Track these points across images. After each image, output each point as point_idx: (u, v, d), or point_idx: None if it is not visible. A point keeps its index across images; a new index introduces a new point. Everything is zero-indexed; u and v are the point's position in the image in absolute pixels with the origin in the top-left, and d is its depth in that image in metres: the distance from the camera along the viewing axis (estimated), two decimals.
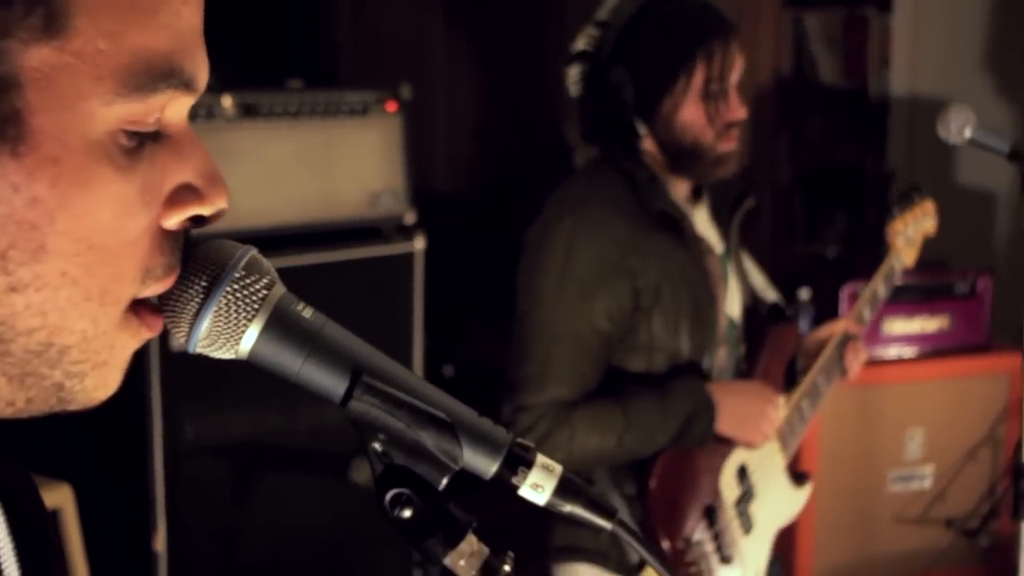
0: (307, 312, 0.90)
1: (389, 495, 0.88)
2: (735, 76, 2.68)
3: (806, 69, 6.17)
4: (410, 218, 4.06)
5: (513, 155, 6.70)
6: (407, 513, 0.87)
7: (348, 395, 0.88)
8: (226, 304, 0.87)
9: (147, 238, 0.82)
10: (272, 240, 3.65)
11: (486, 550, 0.89)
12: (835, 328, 2.94)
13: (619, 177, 2.70)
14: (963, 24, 5.63)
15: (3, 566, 0.94)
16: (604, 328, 2.61)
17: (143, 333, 0.86)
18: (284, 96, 3.77)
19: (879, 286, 3.03)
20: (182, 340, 0.88)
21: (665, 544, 2.61)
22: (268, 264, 0.90)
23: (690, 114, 2.65)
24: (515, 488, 0.90)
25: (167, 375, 3.50)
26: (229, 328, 0.87)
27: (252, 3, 5.71)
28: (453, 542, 0.88)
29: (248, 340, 0.88)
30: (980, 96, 5.31)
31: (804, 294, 4.38)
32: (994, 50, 5.50)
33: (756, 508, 2.78)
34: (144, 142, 0.81)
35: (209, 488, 3.70)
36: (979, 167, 5.18)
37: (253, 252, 0.90)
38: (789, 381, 2.91)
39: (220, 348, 0.88)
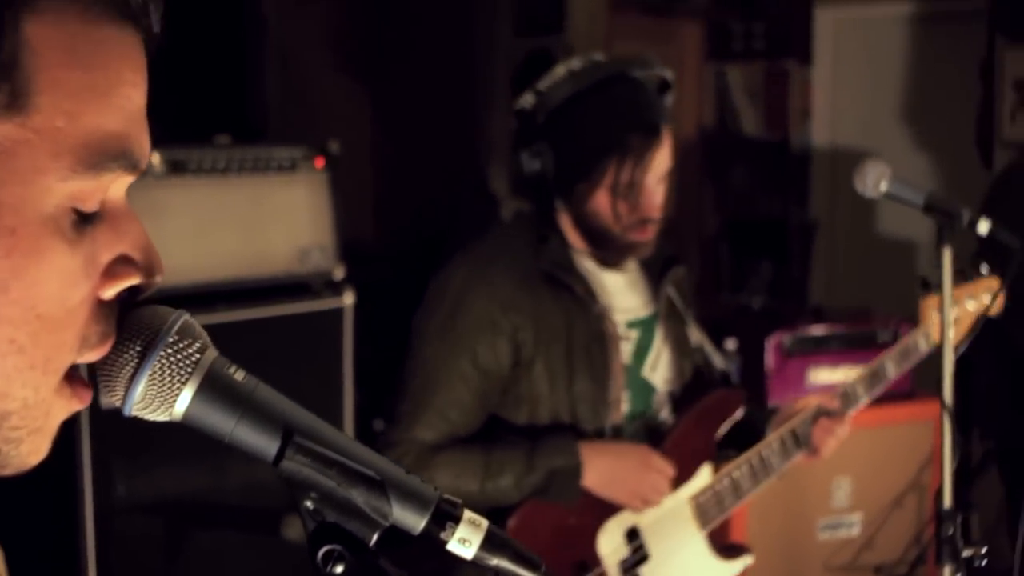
0: (239, 375, 0.92)
1: (321, 552, 0.90)
2: (655, 173, 2.71)
3: (729, 121, 6.27)
4: (339, 273, 4.07)
5: (441, 207, 6.74)
6: (339, 569, 0.90)
7: (280, 455, 0.90)
8: (160, 368, 0.89)
9: (86, 308, 0.85)
10: (201, 296, 3.65)
11: None
12: (808, 402, 2.86)
13: (529, 235, 2.78)
14: (881, 77, 5.74)
15: None
16: (476, 381, 2.69)
17: (74, 404, 0.88)
18: (212, 152, 3.78)
19: (889, 362, 2.89)
20: (117, 403, 0.90)
21: None
22: (200, 328, 0.92)
23: (600, 203, 2.70)
24: (443, 543, 0.93)
25: (97, 432, 3.46)
26: (163, 391, 0.89)
27: (179, 60, 5.71)
28: None
29: (182, 403, 0.90)
30: (899, 147, 5.42)
31: (730, 344, 4.43)
32: (912, 102, 5.62)
33: (649, 571, 2.76)
34: (88, 216, 0.84)
35: (141, 546, 3.66)
36: (900, 217, 5.26)
37: (186, 317, 0.92)
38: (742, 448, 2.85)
39: (155, 411, 0.90)
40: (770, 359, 4.02)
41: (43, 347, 0.83)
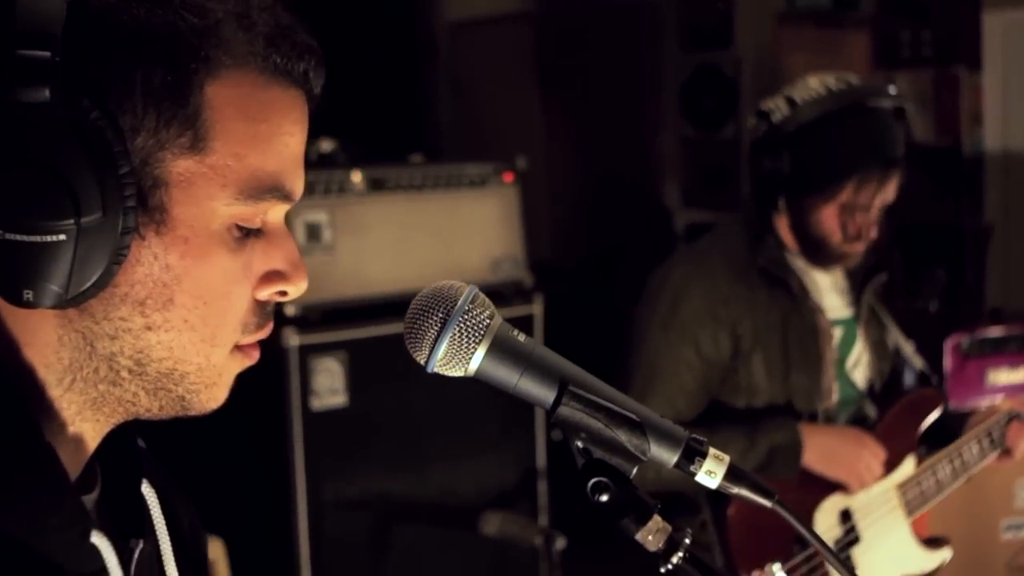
0: (521, 336, 1.10)
1: (590, 483, 1.07)
2: (883, 200, 2.85)
3: None
4: (529, 282, 4.29)
5: (613, 222, 6.87)
6: (604, 497, 1.07)
7: (557, 402, 1.08)
8: (459, 332, 1.07)
9: (245, 302, 1.10)
10: (401, 304, 3.83)
11: (669, 527, 1.08)
12: (1001, 406, 3.03)
13: (744, 235, 2.94)
14: None
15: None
16: (699, 369, 2.84)
17: (245, 362, 1.14)
18: (408, 170, 4.02)
19: None
20: (423, 361, 1.08)
21: (742, 573, 2.72)
22: (488, 300, 1.11)
23: (825, 217, 2.84)
24: (692, 474, 1.09)
25: (309, 437, 3.71)
26: (461, 351, 1.08)
27: (359, 84, 5.95)
28: (643, 520, 1.07)
29: (476, 360, 1.08)
30: None
31: (908, 348, 4.49)
32: None
33: (859, 553, 2.86)
34: (249, 234, 1.09)
35: (349, 542, 3.89)
36: None
37: (476, 289, 1.10)
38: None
39: (453, 368, 1.09)
40: (949, 361, 4.06)
41: (210, 326, 1.08)
